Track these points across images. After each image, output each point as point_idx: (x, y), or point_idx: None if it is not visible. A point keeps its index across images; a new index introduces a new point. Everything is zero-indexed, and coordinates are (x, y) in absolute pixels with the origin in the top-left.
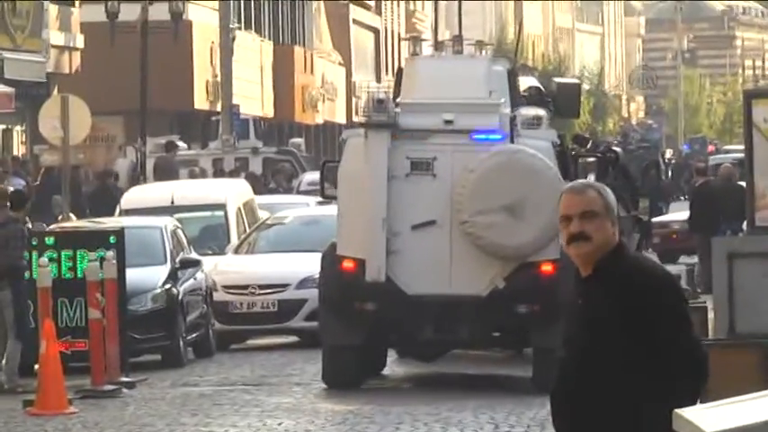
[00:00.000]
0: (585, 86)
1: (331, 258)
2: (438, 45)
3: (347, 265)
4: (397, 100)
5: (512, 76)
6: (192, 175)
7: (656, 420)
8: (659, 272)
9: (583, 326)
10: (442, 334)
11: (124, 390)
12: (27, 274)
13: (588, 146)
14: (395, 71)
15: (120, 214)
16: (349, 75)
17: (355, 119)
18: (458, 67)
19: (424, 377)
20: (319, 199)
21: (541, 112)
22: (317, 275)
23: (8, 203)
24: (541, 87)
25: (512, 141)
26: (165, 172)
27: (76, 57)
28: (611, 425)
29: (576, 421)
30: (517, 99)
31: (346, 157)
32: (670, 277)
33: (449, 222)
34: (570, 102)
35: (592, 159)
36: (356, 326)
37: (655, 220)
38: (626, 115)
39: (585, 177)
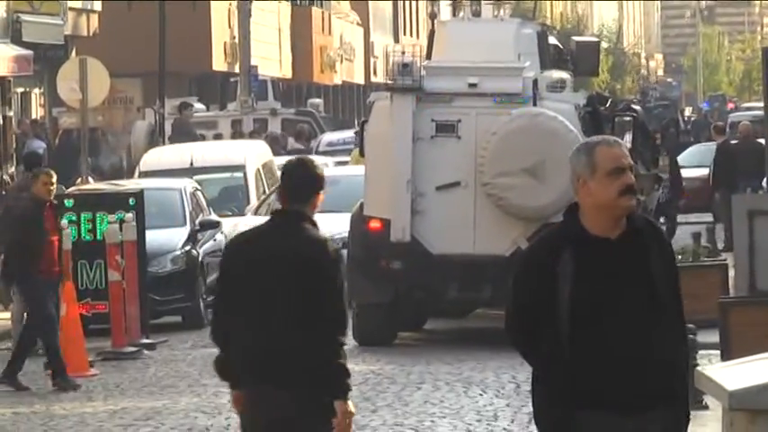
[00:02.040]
0: (604, 45)
1: (358, 218)
2: (456, 4)
3: (374, 224)
4: (423, 63)
5: (542, 40)
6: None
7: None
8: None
9: (633, 284)
10: (467, 293)
11: (145, 351)
12: None
13: (608, 104)
14: (412, 31)
15: (140, 176)
16: (367, 35)
17: (374, 79)
18: (487, 31)
19: (445, 337)
20: (338, 159)
21: (565, 75)
22: (337, 236)
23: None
24: (560, 46)
25: (534, 104)
26: (181, 133)
27: (94, 19)
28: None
29: (637, 383)
30: (547, 62)
31: (373, 120)
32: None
33: (473, 184)
34: (589, 60)
35: (628, 119)
36: (383, 284)
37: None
38: (645, 73)
39: (622, 137)
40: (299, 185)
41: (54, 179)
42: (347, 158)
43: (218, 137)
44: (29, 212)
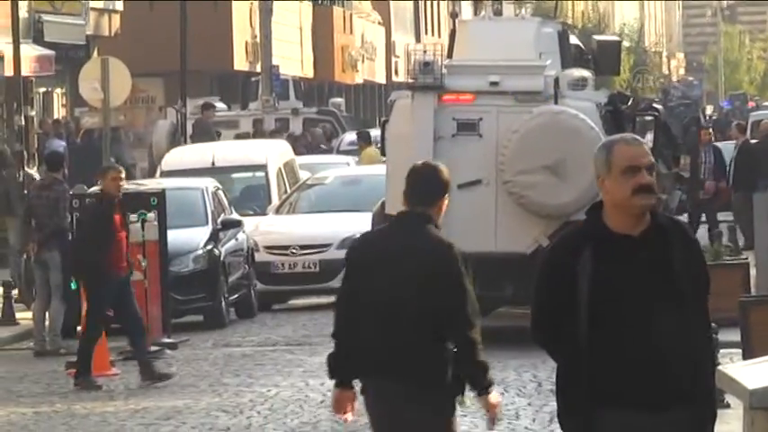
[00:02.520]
0: (626, 44)
1: (380, 217)
2: (477, 3)
3: None
4: (445, 62)
5: (563, 38)
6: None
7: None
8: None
9: (654, 281)
10: (488, 291)
11: (166, 351)
12: (69, 236)
13: (629, 103)
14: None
15: (161, 176)
16: (388, 34)
17: (395, 78)
18: (508, 30)
19: None
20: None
21: (587, 73)
22: (358, 235)
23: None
24: (581, 45)
25: (555, 102)
26: (201, 134)
27: (116, 19)
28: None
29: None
30: (568, 60)
31: (394, 119)
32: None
33: (494, 182)
34: (610, 59)
35: (649, 118)
36: None
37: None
38: (666, 72)
39: (643, 136)
40: (426, 189)
41: (123, 174)
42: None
43: (240, 136)
44: (98, 209)
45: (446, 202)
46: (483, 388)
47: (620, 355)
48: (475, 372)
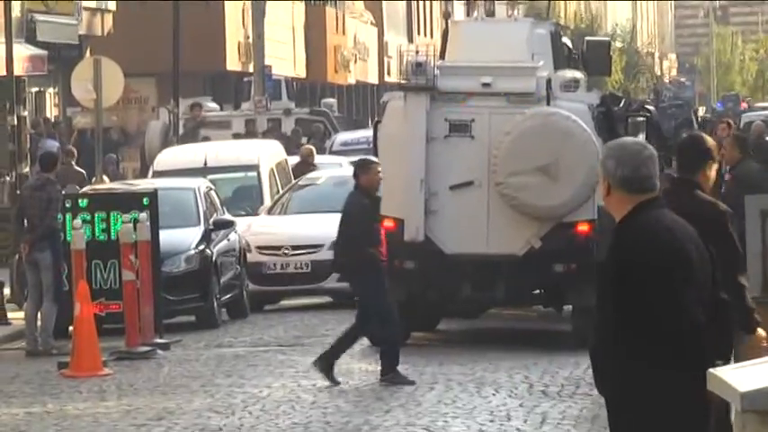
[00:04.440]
0: (618, 44)
1: None
2: (470, 4)
3: (387, 224)
4: (437, 63)
5: (555, 39)
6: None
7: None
8: (647, 238)
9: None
10: (480, 292)
11: (158, 351)
12: (61, 237)
13: (621, 104)
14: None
15: (154, 176)
16: (381, 35)
17: (388, 79)
18: (500, 31)
19: (458, 337)
20: (352, 159)
21: (579, 74)
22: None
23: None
24: (569, 45)
25: (548, 104)
26: (188, 133)
27: (109, 19)
28: None
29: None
30: (561, 61)
31: (386, 120)
32: (635, 248)
33: (486, 183)
34: (600, 59)
35: (641, 119)
36: (396, 284)
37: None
38: (659, 73)
39: (636, 137)
40: (691, 157)
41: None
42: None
43: (238, 136)
44: (362, 204)
45: (713, 167)
46: (751, 328)
47: None
48: (745, 314)
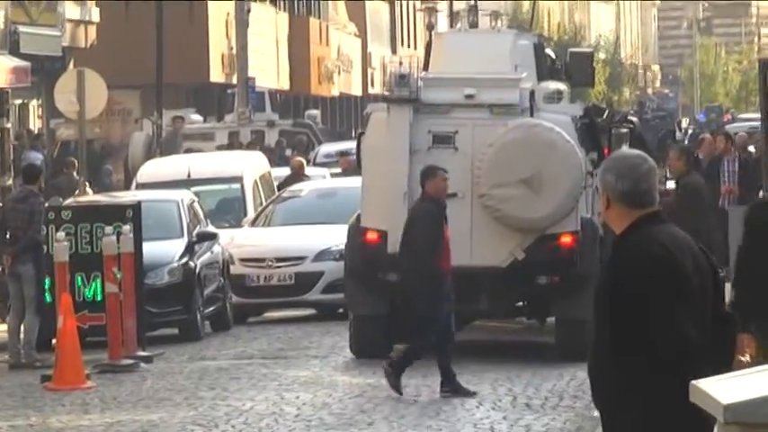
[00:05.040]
0: (601, 56)
1: (355, 230)
2: (453, 16)
3: (370, 236)
4: (420, 75)
5: (539, 50)
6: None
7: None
8: (644, 253)
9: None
10: (464, 304)
11: (141, 364)
12: (44, 249)
13: (605, 116)
14: (410, 42)
15: (137, 188)
16: (364, 46)
17: (371, 91)
18: (483, 42)
19: None
20: (335, 170)
21: (562, 86)
22: (334, 248)
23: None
24: (552, 56)
25: (531, 115)
26: (168, 145)
27: (92, 30)
28: None
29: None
30: (544, 73)
31: (370, 132)
32: (651, 261)
33: (470, 195)
34: (583, 70)
35: (625, 131)
36: (380, 296)
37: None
38: (642, 84)
39: (620, 148)
40: None
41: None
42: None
43: (220, 148)
44: (428, 211)
45: None
46: None
47: None
48: None
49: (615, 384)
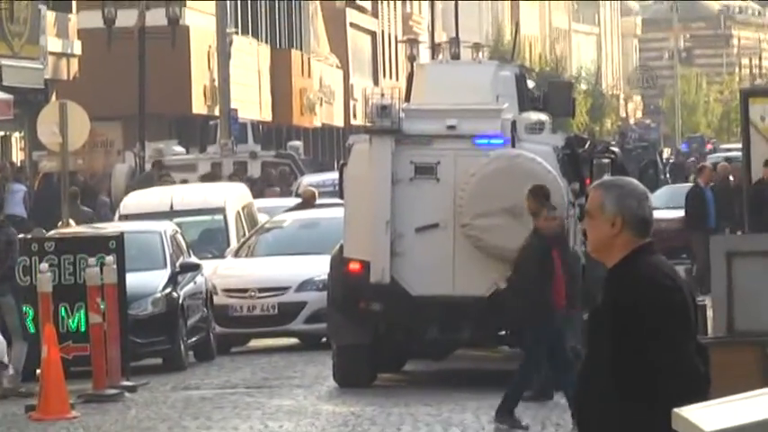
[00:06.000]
0: (583, 87)
1: (338, 260)
2: (435, 47)
3: (353, 266)
4: (402, 106)
5: (520, 81)
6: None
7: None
8: (652, 284)
9: (588, 329)
10: (447, 334)
11: (126, 394)
12: (27, 280)
13: (586, 146)
14: (392, 73)
15: (120, 219)
16: (346, 78)
17: (354, 122)
18: (465, 73)
19: (425, 378)
20: (319, 201)
21: (544, 116)
22: (317, 278)
23: None
24: (529, 87)
25: (513, 146)
26: (144, 185)
27: (74, 63)
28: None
29: (580, 425)
30: (526, 103)
31: (352, 162)
32: (661, 291)
33: (452, 225)
34: (562, 101)
35: (606, 161)
36: (363, 326)
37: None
38: (624, 115)
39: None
40: None
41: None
42: (326, 201)
43: (205, 178)
44: (538, 247)
45: None
46: None
47: None
48: None
49: (621, 426)
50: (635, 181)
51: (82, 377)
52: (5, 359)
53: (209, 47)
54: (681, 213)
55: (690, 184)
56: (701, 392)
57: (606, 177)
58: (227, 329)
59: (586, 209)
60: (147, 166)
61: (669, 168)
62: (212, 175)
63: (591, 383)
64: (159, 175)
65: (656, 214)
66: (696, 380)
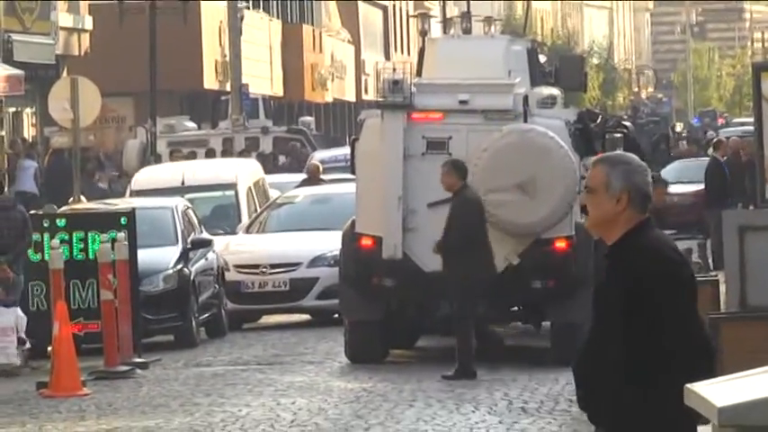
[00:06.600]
0: (595, 61)
1: (350, 236)
2: (447, 22)
3: (365, 242)
4: (414, 80)
5: (532, 56)
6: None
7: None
8: (662, 258)
9: (594, 304)
10: None
11: (137, 370)
12: (39, 256)
13: (598, 121)
14: (403, 48)
15: (131, 195)
16: (358, 53)
17: (365, 97)
18: (477, 48)
19: (437, 354)
20: (330, 177)
21: (556, 91)
22: (329, 254)
23: None
24: (541, 61)
25: (525, 121)
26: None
27: (85, 39)
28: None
29: (584, 400)
30: (538, 78)
31: (364, 138)
32: (672, 265)
33: None
34: (573, 75)
35: (619, 135)
36: (375, 302)
37: None
38: (636, 89)
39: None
40: None
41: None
42: (338, 176)
43: (210, 152)
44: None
45: None
46: None
47: None
48: None
49: (635, 410)
50: (635, 156)
51: (93, 354)
52: (23, 334)
53: (221, 22)
54: (693, 188)
55: (704, 159)
56: (712, 367)
57: (606, 154)
58: (239, 306)
59: (588, 185)
60: (159, 142)
61: (686, 139)
62: (214, 152)
63: (597, 359)
64: (170, 151)
65: (670, 189)
66: (709, 354)
